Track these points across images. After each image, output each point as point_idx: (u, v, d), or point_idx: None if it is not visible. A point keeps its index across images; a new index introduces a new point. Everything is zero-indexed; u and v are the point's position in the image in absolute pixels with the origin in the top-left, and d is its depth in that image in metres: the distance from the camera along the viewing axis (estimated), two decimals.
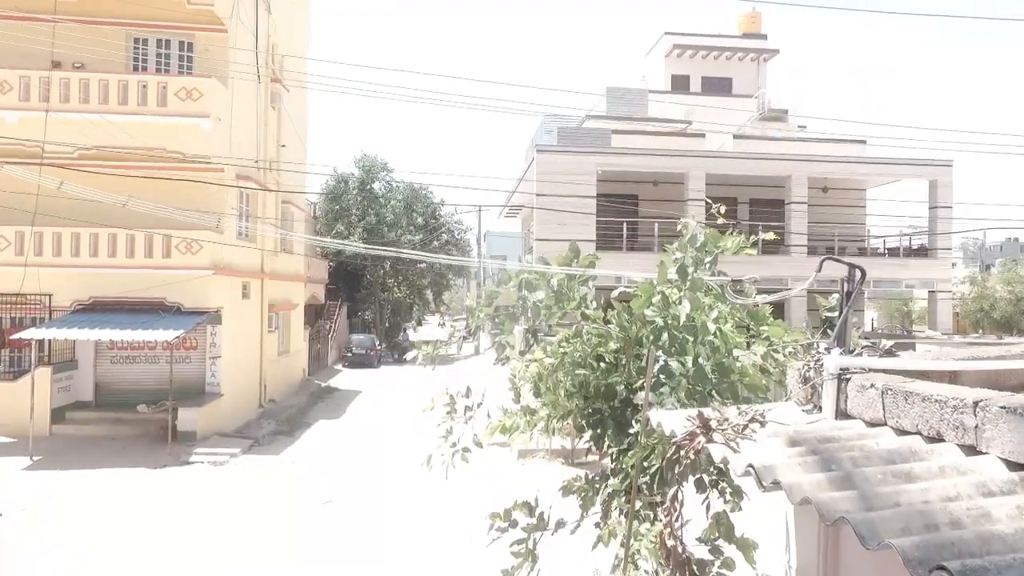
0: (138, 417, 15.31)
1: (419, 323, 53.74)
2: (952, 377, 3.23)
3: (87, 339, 13.76)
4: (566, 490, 5.10)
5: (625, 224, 20.88)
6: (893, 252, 22.87)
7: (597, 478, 5.09)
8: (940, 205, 21.33)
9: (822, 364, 3.10)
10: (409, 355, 37.12)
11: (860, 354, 3.33)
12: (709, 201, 4.22)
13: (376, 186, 35.97)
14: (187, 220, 14.29)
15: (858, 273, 3.47)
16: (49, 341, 14.62)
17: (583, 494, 4.72)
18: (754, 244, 4.70)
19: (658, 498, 4.27)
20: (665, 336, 3.77)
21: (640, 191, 23.32)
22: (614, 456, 4.77)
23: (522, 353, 4.68)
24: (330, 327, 30.84)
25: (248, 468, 13.19)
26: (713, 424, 2.75)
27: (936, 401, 2.43)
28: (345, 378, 27.38)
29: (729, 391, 4.02)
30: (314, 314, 30.50)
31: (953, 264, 35.67)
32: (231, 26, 16.30)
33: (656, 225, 21.05)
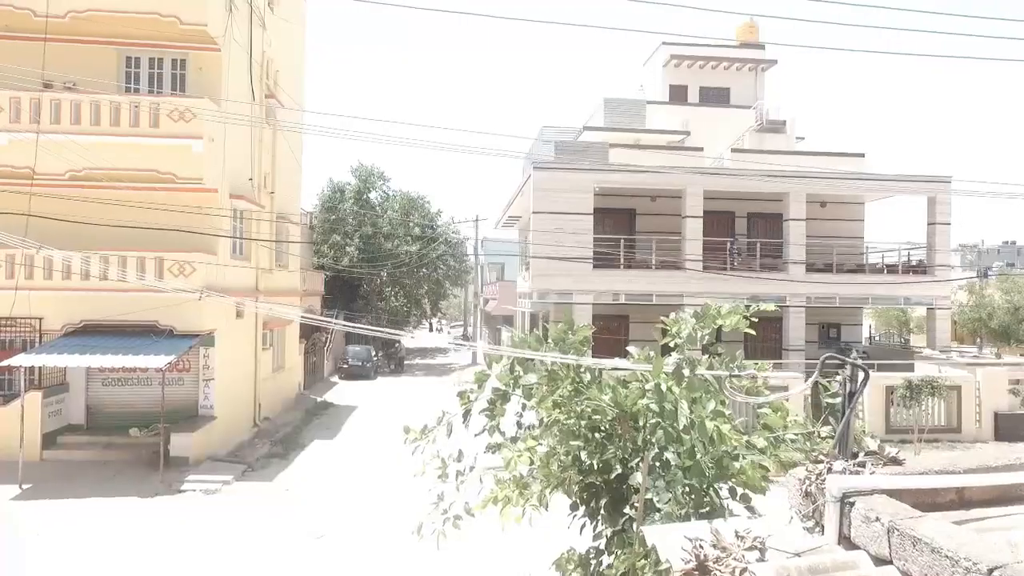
0: (130, 441, 15.14)
1: (416, 327, 53.60)
2: (959, 493, 3.11)
3: (77, 365, 13.58)
4: (559, 566, 4.97)
5: (623, 241, 20.73)
6: (892, 268, 22.74)
7: (592, 553, 4.96)
8: (939, 222, 21.22)
9: (824, 481, 2.98)
10: (406, 364, 37.04)
11: (863, 463, 3.21)
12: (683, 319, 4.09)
13: (373, 195, 35.82)
14: (182, 244, 14.17)
15: (861, 373, 3.35)
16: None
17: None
18: (754, 313, 4.55)
19: None
20: (660, 433, 3.64)
21: (637, 205, 23.21)
22: (608, 536, 4.63)
23: (513, 440, 4.53)
24: (326, 339, 30.67)
25: (240, 496, 13.02)
26: (710, 561, 2.61)
27: (947, 556, 2.30)
28: (341, 391, 27.21)
29: (724, 481, 3.89)
30: (310, 327, 30.34)
31: (951, 268, 35.58)
32: (224, 44, 16.14)
33: (654, 242, 20.97)
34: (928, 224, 21.72)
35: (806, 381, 14.54)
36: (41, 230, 14.02)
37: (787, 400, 4.73)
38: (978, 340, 40.18)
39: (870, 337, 37.13)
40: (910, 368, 18.85)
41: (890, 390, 15.95)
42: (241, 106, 17.23)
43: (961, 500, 3.11)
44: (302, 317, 13.04)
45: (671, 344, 4.21)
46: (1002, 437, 16.87)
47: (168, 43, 15.76)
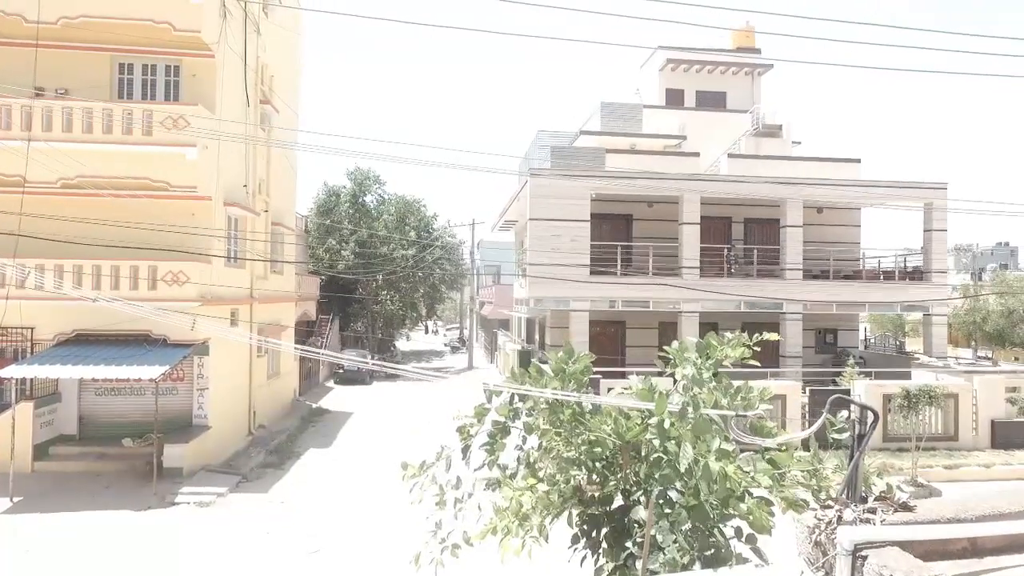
0: (123, 452, 14.97)
1: (411, 330, 53.48)
2: (971, 542, 3.04)
3: (70, 377, 13.42)
4: None
5: (619, 247, 20.66)
6: (888, 274, 22.75)
7: None
8: (935, 228, 21.23)
9: (834, 529, 2.90)
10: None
11: (874, 510, 3.13)
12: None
13: (368, 199, 35.68)
14: (175, 252, 14.04)
15: (870, 415, 3.27)
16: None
17: None
18: (757, 343, 4.48)
19: None
20: (665, 471, 3.56)
21: (634, 211, 23.15)
22: (610, 571, 4.54)
23: (512, 476, 4.44)
24: (321, 344, 30.52)
25: (234, 509, 12.89)
26: None
27: None
28: (336, 397, 27.06)
29: (729, 520, 3.81)
30: (305, 331, 30.19)
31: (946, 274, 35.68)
32: (219, 50, 16.01)
33: (650, 248, 20.91)
34: (924, 231, 21.73)
35: (804, 390, 14.51)
36: (32, 238, 13.89)
37: (800, 419, 4.64)
38: (973, 343, 40.31)
39: (865, 340, 37.18)
40: (907, 375, 18.84)
41: (888, 398, 15.91)
42: (236, 113, 17.11)
43: (974, 548, 3.03)
44: (296, 348, 12.92)
45: (674, 378, 4.13)
46: (999, 445, 16.86)
47: (162, 49, 15.62)
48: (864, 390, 16.21)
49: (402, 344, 50.38)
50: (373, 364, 10.55)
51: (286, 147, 20.12)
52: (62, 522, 11.80)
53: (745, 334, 4.59)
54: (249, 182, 18.48)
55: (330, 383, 30.96)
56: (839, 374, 17.95)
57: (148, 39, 15.26)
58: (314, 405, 24.50)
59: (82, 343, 14.61)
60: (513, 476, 4.34)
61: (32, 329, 14.79)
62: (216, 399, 15.95)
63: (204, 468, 14.87)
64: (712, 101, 30.65)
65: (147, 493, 13.24)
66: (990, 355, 37.37)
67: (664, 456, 3.60)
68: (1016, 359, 38.90)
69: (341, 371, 31.09)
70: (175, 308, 14.55)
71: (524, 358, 22.47)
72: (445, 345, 55.95)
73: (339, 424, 21.44)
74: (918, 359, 21.05)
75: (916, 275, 21.93)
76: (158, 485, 13.45)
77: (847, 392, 16.37)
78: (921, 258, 22.25)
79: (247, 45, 17.76)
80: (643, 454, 4.48)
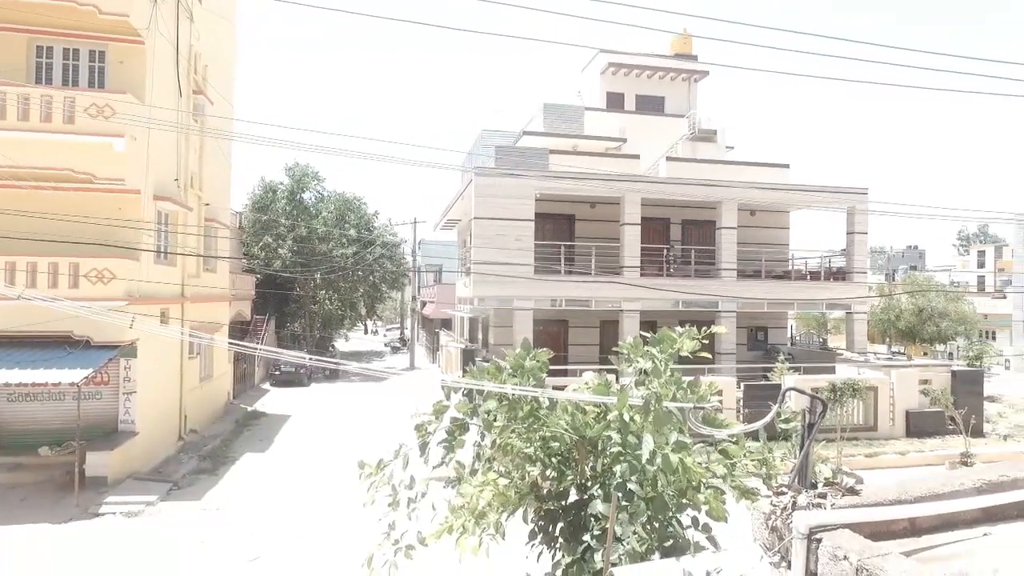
0: (40, 461, 14.01)
1: (350, 331, 52.35)
2: (911, 522, 3.25)
3: None
4: None
5: (563, 247, 20.91)
6: (815, 275, 23.95)
7: None
8: (857, 231, 22.50)
9: (790, 515, 3.03)
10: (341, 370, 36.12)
11: (824, 495, 3.30)
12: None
13: (307, 196, 34.73)
14: (100, 248, 13.24)
15: (819, 406, 3.45)
16: None
17: None
18: (706, 336, 4.63)
19: None
20: (625, 466, 3.62)
21: (577, 211, 23.48)
22: (567, 566, 4.59)
23: (473, 473, 4.42)
24: (256, 344, 29.47)
25: (166, 518, 12.28)
26: None
27: None
28: (273, 399, 26.22)
29: (686, 510, 3.92)
30: (240, 331, 29.11)
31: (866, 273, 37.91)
32: (148, 36, 15.21)
33: (593, 248, 21.25)
34: (847, 233, 22.99)
35: (738, 385, 15.07)
36: None
37: (735, 413, 4.82)
38: (888, 339, 43.01)
39: (791, 338, 39.01)
40: (832, 370, 19.90)
41: (815, 391, 16.75)
42: (167, 102, 16.31)
43: (913, 528, 3.24)
44: (230, 344, 12.41)
45: (617, 375, 4.22)
46: (912, 433, 18.04)
47: (86, 33, 14.70)
48: (794, 384, 17.01)
49: (341, 344, 49.31)
50: (312, 361, 10.28)
51: (221, 136, 19.30)
52: None
53: (695, 328, 4.74)
54: (181, 176, 17.65)
55: (266, 385, 29.96)
56: (770, 370, 18.78)
57: (71, 22, 14.31)
58: (250, 408, 23.66)
59: None
60: (474, 473, 4.32)
61: None
62: (144, 403, 15.15)
63: (131, 476, 14.11)
64: (651, 105, 31.44)
65: (68, 504, 12.44)
66: (903, 350, 39.93)
67: (623, 449, 3.67)
68: (925, 354, 41.76)
69: (277, 373, 30.14)
70: (100, 308, 13.76)
71: (468, 357, 22.40)
72: (386, 345, 55.08)
73: (276, 427, 20.78)
74: (841, 354, 22.26)
75: (839, 275, 23.18)
76: (80, 495, 12.66)
77: (778, 387, 17.15)
78: (844, 259, 23.55)
79: (179, 32, 16.95)
80: (599, 448, 4.55)
